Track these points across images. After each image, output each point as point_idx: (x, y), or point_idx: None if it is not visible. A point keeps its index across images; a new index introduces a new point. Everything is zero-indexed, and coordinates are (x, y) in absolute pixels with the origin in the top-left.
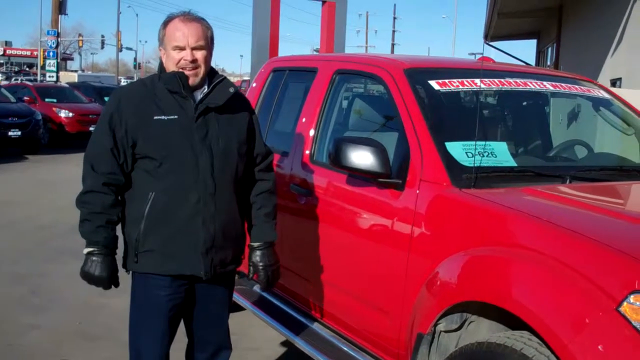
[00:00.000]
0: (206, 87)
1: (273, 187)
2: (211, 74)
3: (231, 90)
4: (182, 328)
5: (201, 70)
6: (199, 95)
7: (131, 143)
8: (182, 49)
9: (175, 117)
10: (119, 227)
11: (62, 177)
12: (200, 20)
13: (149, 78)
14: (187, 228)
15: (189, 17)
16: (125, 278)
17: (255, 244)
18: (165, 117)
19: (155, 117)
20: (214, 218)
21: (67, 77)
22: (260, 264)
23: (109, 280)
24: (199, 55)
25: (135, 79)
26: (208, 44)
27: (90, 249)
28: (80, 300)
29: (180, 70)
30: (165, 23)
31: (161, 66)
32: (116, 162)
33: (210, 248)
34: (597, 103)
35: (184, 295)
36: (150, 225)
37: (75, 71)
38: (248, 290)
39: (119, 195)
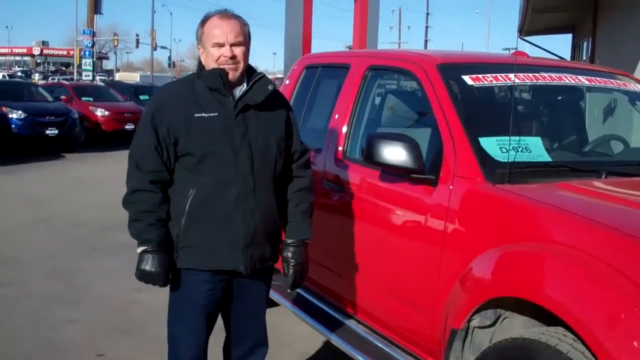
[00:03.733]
0: (245, 84)
1: (310, 184)
2: (249, 72)
3: (270, 87)
4: (220, 323)
5: (240, 66)
6: (237, 92)
7: (173, 141)
8: (221, 45)
9: (216, 114)
10: None
11: (98, 175)
12: (237, 17)
13: (190, 76)
14: (227, 224)
15: (226, 14)
16: None
17: (289, 241)
18: (206, 115)
19: (196, 115)
20: (254, 214)
21: (128, 78)
22: (292, 261)
23: (165, 276)
24: (238, 51)
25: (170, 77)
26: (246, 40)
27: (144, 247)
28: (116, 295)
29: (221, 66)
30: (203, 21)
31: (200, 64)
32: (160, 159)
33: (250, 244)
34: (634, 97)
35: (223, 290)
36: (191, 221)
37: (117, 70)
38: (282, 286)
39: (165, 193)
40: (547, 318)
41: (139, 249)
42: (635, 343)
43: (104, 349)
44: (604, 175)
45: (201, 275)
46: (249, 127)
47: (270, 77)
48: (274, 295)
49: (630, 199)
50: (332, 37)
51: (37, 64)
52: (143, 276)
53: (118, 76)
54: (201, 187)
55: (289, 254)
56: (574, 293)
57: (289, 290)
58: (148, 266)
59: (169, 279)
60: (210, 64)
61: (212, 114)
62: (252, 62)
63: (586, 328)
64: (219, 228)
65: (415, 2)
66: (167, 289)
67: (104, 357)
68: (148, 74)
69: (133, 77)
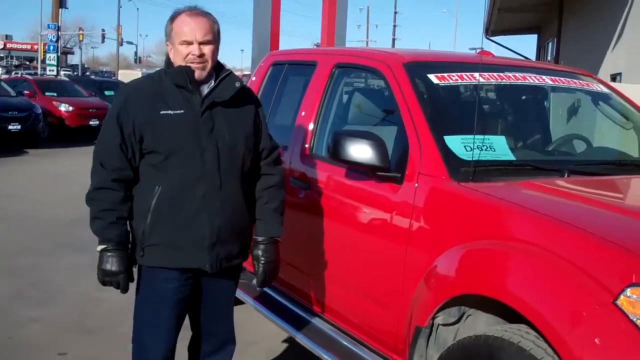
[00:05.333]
0: (213, 81)
1: (280, 181)
2: (218, 68)
3: (237, 84)
4: (186, 322)
5: (208, 65)
6: (205, 89)
7: (138, 138)
8: (189, 43)
9: (182, 111)
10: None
11: (62, 171)
12: (207, 14)
13: (157, 73)
14: (193, 222)
15: (196, 11)
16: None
17: (260, 239)
18: (172, 112)
19: (162, 112)
20: (219, 212)
21: (130, 75)
22: (262, 259)
23: (125, 275)
24: (207, 49)
25: (135, 73)
26: (215, 38)
27: (104, 246)
28: (80, 294)
29: (188, 64)
30: (172, 18)
31: (168, 61)
32: (125, 157)
33: (216, 242)
34: (597, 97)
35: (191, 288)
36: (157, 219)
37: (84, 65)
38: (247, 284)
39: (128, 191)
40: (511, 315)
41: (99, 248)
42: (596, 340)
43: (67, 347)
44: (566, 174)
45: (168, 273)
46: (215, 125)
47: (237, 73)
48: (239, 293)
49: (592, 198)
50: (300, 34)
51: (0, 58)
52: (105, 276)
53: (120, 74)
54: (167, 185)
55: (259, 252)
56: (537, 291)
57: (257, 288)
58: (109, 265)
59: (129, 280)
60: (178, 62)
61: (178, 111)
62: (220, 58)
63: (549, 325)
64: (185, 226)
65: (383, 1)
66: (133, 288)
67: (66, 355)
68: (144, 71)
69: (135, 75)
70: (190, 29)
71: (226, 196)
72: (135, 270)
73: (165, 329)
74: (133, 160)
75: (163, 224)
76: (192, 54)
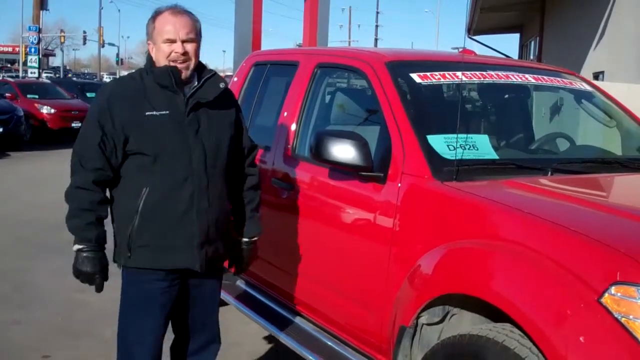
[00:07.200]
0: (195, 81)
1: (258, 182)
2: (200, 69)
3: (221, 85)
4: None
5: (192, 63)
6: (187, 89)
7: (123, 139)
8: (173, 41)
9: (167, 112)
10: (108, 221)
11: (44, 173)
12: (188, 13)
13: (137, 72)
14: (181, 222)
15: (178, 10)
16: (112, 275)
17: (244, 240)
18: (157, 113)
19: (147, 113)
20: (207, 212)
21: None
22: (246, 259)
23: (101, 276)
24: (190, 47)
25: (117, 75)
26: (197, 37)
27: (81, 246)
28: (62, 297)
29: (172, 63)
30: (154, 17)
31: (149, 60)
32: (105, 157)
33: (205, 242)
34: (580, 96)
35: (178, 290)
36: (145, 220)
37: (66, 67)
38: (231, 285)
39: (108, 191)
40: (495, 314)
41: (76, 247)
42: (581, 338)
43: (50, 350)
44: (549, 173)
45: (156, 274)
46: (200, 125)
47: (220, 74)
48: (223, 295)
49: (575, 196)
50: (282, 35)
51: None
52: (80, 275)
53: None
54: (154, 186)
55: (244, 253)
56: (521, 289)
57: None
58: (84, 266)
59: (103, 278)
60: (161, 60)
61: (164, 112)
62: (203, 59)
63: (533, 324)
64: (173, 227)
65: (365, 1)
66: (112, 289)
67: (50, 358)
68: None
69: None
70: (173, 27)
71: (213, 196)
72: (116, 272)
73: (152, 332)
74: (114, 160)
75: (151, 225)
76: (176, 52)
